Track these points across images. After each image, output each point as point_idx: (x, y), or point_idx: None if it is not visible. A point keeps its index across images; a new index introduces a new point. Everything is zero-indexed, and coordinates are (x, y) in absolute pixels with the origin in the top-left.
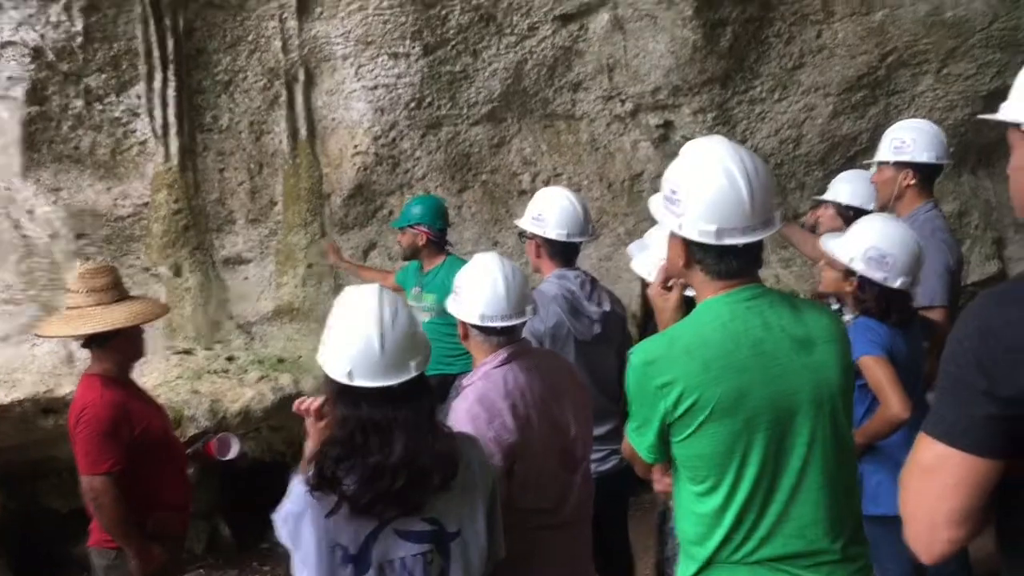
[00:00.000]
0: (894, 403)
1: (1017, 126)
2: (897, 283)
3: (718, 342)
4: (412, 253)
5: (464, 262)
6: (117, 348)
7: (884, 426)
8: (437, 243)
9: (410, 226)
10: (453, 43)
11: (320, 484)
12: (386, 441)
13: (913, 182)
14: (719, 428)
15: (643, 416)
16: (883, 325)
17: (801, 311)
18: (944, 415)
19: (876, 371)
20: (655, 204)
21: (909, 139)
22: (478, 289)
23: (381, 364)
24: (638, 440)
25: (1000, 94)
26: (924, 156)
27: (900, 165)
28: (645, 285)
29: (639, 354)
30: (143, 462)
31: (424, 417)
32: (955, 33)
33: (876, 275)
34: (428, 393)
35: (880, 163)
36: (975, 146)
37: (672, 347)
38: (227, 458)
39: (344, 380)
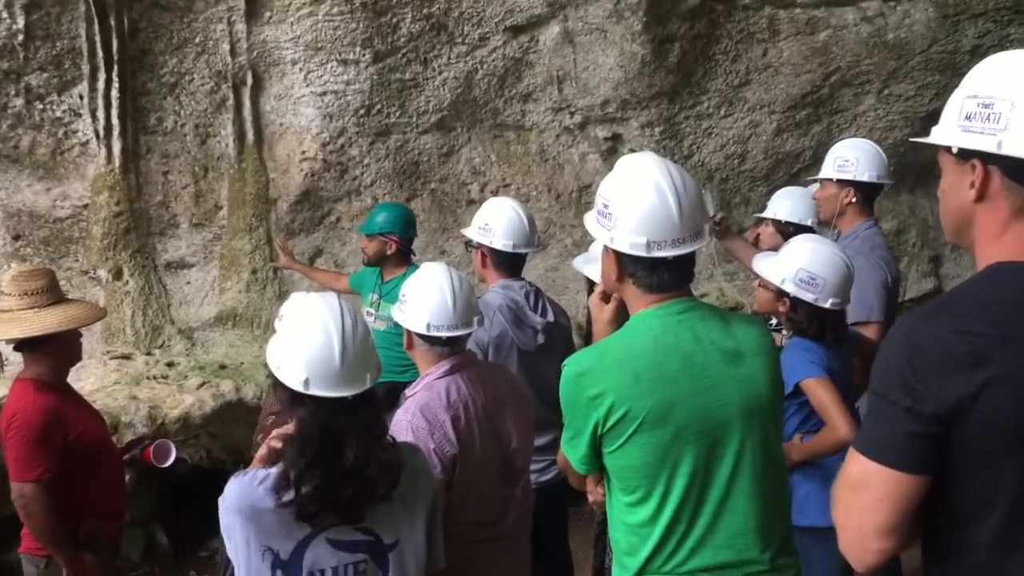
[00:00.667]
0: (841, 425)
1: (948, 149)
2: (827, 304)
3: (649, 354)
4: (377, 260)
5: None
6: (51, 352)
7: (830, 447)
8: (404, 253)
9: (380, 234)
10: (404, 51)
11: (285, 486)
12: (338, 450)
13: (854, 200)
14: (649, 439)
15: (576, 427)
16: (818, 344)
17: (731, 324)
18: (871, 431)
19: (821, 393)
20: (589, 219)
21: (852, 158)
22: (425, 298)
23: (339, 375)
24: (571, 451)
25: (938, 115)
26: (866, 175)
27: (843, 183)
28: (591, 283)
29: (571, 366)
30: (77, 468)
31: (373, 427)
32: (896, 55)
33: (807, 296)
34: (377, 404)
35: (823, 180)
36: (913, 166)
37: (603, 359)
38: (165, 465)
39: (300, 388)
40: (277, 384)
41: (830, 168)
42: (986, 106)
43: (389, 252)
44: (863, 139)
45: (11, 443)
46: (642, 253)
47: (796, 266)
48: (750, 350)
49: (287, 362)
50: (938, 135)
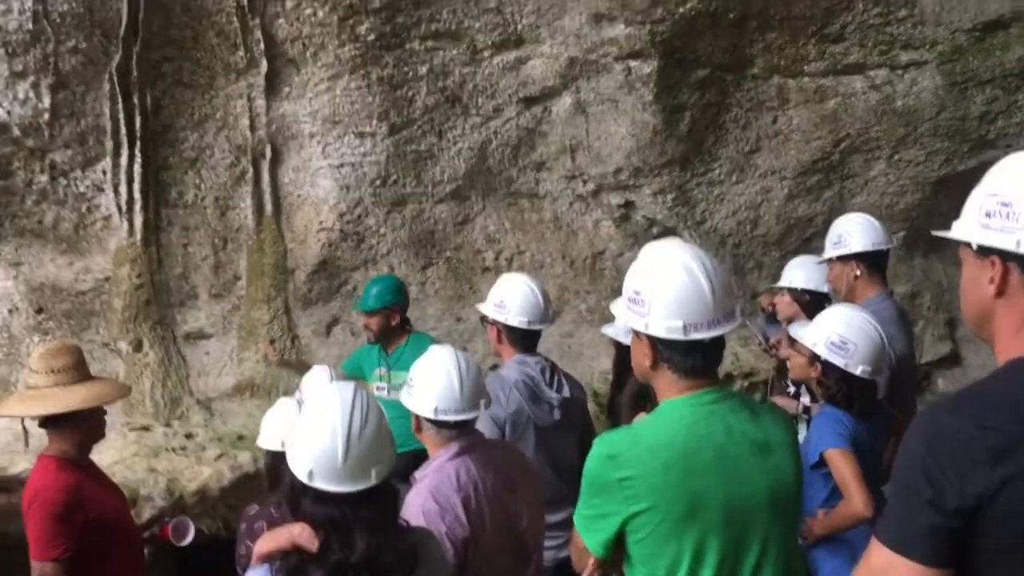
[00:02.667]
0: (858, 501)
1: (968, 244)
2: (858, 370)
3: (681, 444)
4: (383, 334)
5: (426, 337)
6: (75, 429)
7: (846, 521)
8: (405, 321)
9: (384, 308)
10: (419, 123)
11: None
12: (347, 541)
13: (859, 273)
14: (677, 530)
15: (601, 509)
16: (848, 415)
17: (759, 415)
18: (893, 521)
19: (842, 466)
20: (619, 307)
21: (845, 232)
22: (433, 383)
23: (342, 472)
24: (591, 534)
25: (947, 180)
26: (861, 246)
27: (844, 259)
28: (618, 349)
29: (603, 446)
30: (97, 546)
31: (386, 516)
32: (905, 121)
33: (837, 360)
34: (390, 494)
35: (828, 261)
36: (926, 230)
37: (635, 445)
38: (183, 543)
39: (304, 480)
40: (291, 475)
41: (829, 248)
42: (1006, 204)
43: (393, 323)
44: (855, 212)
45: (33, 521)
46: (679, 336)
47: (830, 330)
48: (778, 442)
49: (296, 453)
50: (959, 230)
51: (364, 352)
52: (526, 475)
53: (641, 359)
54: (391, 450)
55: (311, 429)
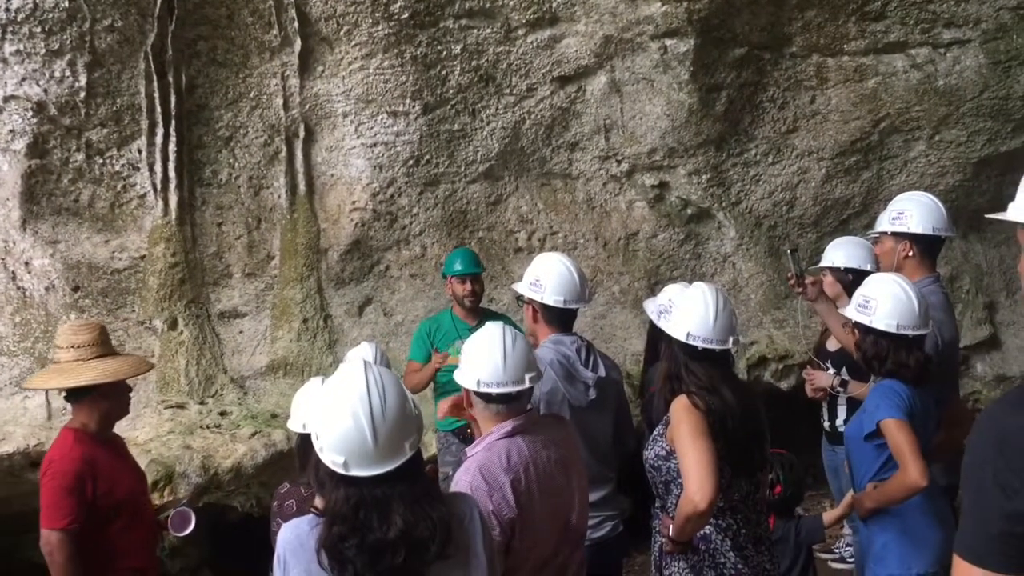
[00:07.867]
0: (913, 471)
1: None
2: (881, 325)
3: None
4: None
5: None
6: (96, 404)
7: (901, 492)
8: None
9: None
10: (452, 102)
11: (330, 562)
12: (384, 516)
13: (911, 253)
14: None
15: None
16: (905, 387)
17: None
18: (967, 530)
19: (898, 436)
20: None
21: (907, 210)
22: (477, 356)
23: (375, 455)
24: None
25: (989, 161)
26: (920, 227)
27: (898, 236)
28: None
29: None
30: (106, 521)
31: (421, 489)
32: (947, 101)
33: (862, 319)
34: (423, 466)
35: (881, 233)
36: (966, 211)
37: None
38: (182, 534)
39: (340, 470)
40: (318, 459)
41: (885, 221)
42: None
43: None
44: (922, 192)
45: (45, 489)
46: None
47: (859, 294)
48: None
49: (326, 445)
50: (1015, 212)
51: (433, 323)
52: (578, 455)
53: None
54: (418, 419)
55: (334, 419)
